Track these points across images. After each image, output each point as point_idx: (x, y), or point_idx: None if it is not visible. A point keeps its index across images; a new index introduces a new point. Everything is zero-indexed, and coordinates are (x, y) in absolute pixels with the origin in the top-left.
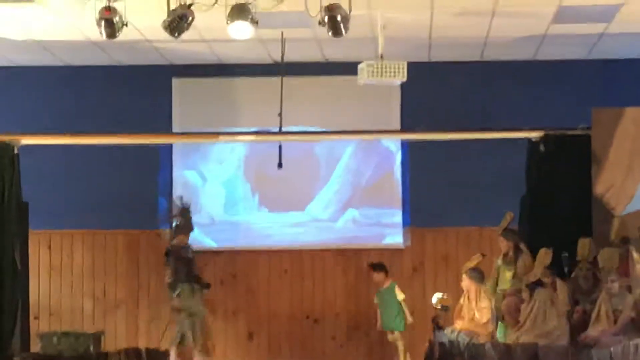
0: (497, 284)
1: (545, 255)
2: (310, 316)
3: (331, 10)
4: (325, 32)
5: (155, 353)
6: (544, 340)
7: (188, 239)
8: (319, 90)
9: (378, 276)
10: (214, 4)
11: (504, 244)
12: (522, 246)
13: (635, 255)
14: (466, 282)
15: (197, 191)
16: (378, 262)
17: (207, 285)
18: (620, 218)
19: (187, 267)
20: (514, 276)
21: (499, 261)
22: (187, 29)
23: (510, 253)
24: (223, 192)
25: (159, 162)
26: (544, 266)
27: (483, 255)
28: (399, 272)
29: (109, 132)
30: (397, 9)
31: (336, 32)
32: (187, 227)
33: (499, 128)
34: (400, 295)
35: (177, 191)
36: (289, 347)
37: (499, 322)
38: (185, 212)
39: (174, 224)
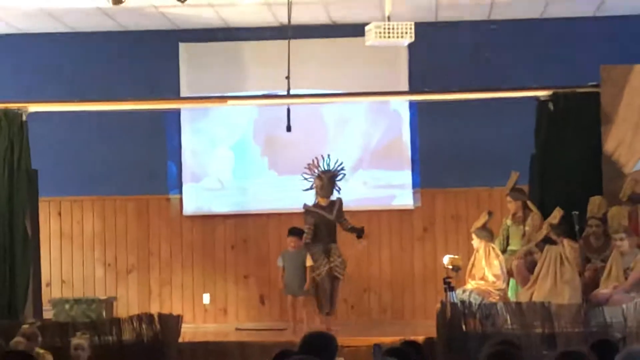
0: (506, 243)
1: (554, 215)
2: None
3: None
4: None
5: (167, 318)
6: (556, 298)
7: (325, 201)
8: (327, 53)
9: (293, 240)
10: None
11: (512, 204)
12: (531, 205)
13: None
14: (476, 241)
15: (206, 156)
16: (297, 227)
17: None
18: (631, 175)
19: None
20: (524, 235)
21: (508, 221)
22: None
23: (519, 213)
24: (232, 156)
25: (167, 127)
26: (549, 224)
27: (490, 213)
28: (409, 232)
29: (117, 98)
30: None
31: None
32: (325, 190)
33: (508, 87)
34: (310, 262)
35: (186, 156)
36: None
37: (511, 280)
38: (325, 174)
39: (311, 185)
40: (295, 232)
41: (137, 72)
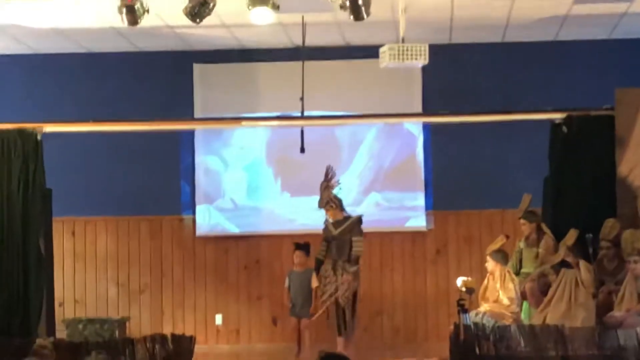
0: (519, 266)
1: (569, 236)
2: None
3: None
4: (346, 16)
5: (180, 339)
6: (570, 321)
7: (335, 215)
8: (341, 74)
9: (299, 256)
10: None
11: (525, 227)
12: (544, 227)
13: None
14: (490, 264)
15: (219, 176)
16: (304, 242)
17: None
18: None
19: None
20: (537, 257)
21: (521, 244)
22: (209, 14)
23: (533, 235)
24: (245, 177)
25: (180, 148)
26: (567, 246)
27: (507, 237)
28: (422, 255)
29: (131, 119)
30: None
31: (357, 15)
32: (320, 200)
33: (521, 110)
34: (315, 283)
35: (200, 177)
36: (313, 332)
37: (524, 303)
38: (322, 184)
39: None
40: (301, 246)
41: (151, 92)
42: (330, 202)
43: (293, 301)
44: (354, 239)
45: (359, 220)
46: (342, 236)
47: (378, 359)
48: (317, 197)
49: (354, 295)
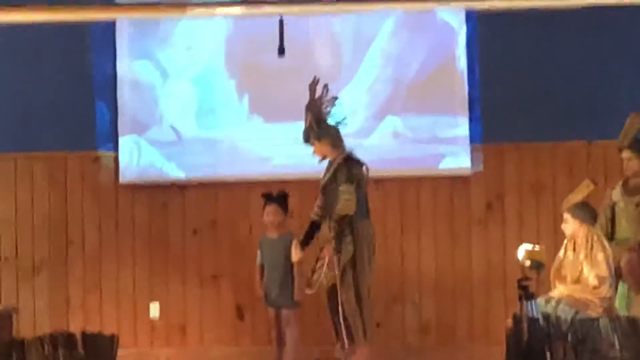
0: (612, 228)
1: None
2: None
3: None
4: None
5: (96, 339)
6: None
7: (322, 151)
8: None
9: (272, 213)
10: None
11: (630, 162)
12: None
13: None
14: (570, 225)
15: (154, 93)
16: (279, 191)
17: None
18: None
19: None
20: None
21: (616, 192)
22: None
23: (638, 178)
24: (194, 93)
25: (94, 50)
26: None
27: (595, 183)
28: (465, 211)
29: (16, 4)
30: None
31: None
32: (306, 130)
33: None
34: (296, 255)
35: (124, 94)
36: (301, 329)
37: (620, 284)
38: (310, 106)
39: None
40: (273, 198)
41: None
42: (312, 129)
43: (267, 284)
44: (340, 189)
45: (345, 159)
46: (330, 186)
47: None
48: (304, 124)
49: (353, 279)
